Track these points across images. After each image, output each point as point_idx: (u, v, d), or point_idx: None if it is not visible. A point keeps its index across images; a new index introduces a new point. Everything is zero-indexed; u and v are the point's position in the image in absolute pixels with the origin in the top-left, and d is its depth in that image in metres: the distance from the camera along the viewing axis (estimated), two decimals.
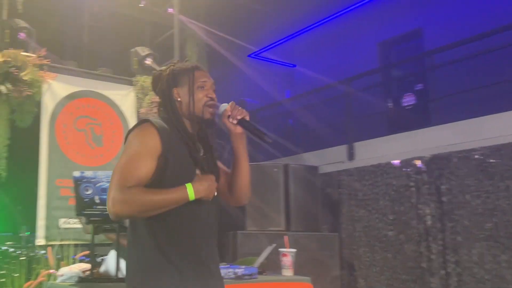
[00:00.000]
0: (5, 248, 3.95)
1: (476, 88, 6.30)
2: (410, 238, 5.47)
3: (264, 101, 9.42)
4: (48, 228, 4.00)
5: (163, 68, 2.04)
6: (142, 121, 1.87)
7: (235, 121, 1.94)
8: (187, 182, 1.78)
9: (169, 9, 5.68)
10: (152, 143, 1.79)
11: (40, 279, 2.99)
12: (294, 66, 10.09)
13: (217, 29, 7.25)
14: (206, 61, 7.03)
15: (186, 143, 1.87)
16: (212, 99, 1.95)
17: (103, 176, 2.65)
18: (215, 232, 2.02)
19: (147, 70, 5.03)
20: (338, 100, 7.46)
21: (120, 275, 2.62)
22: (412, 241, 5.43)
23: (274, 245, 3.46)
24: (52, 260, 3.32)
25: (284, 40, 9.68)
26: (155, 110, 4.74)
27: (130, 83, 5.09)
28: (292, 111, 9.66)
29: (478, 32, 6.09)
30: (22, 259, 3.76)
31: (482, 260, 4.91)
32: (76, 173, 2.64)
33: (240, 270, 3.04)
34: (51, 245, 3.50)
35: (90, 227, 2.70)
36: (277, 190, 5.80)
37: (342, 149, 6.93)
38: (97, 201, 2.65)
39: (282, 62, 10.16)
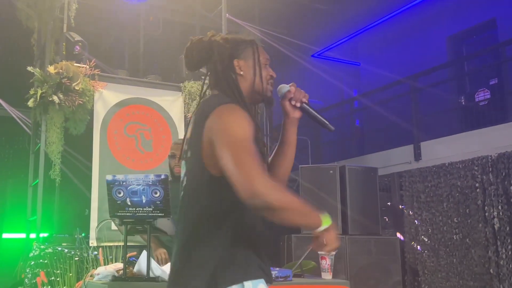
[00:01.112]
0: (61, 249, 4.27)
1: None
2: (477, 242, 5.25)
3: (329, 101, 9.39)
4: (100, 230, 4.28)
5: (201, 37, 1.83)
6: (225, 102, 1.66)
7: (298, 104, 1.85)
8: None
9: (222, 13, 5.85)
10: (249, 125, 1.60)
11: (86, 278, 3.21)
12: (359, 64, 9.96)
13: (276, 30, 7.32)
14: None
15: (256, 124, 1.68)
16: (272, 77, 1.84)
17: (133, 179, 2.81)
18: None
19: (197, 75, 5.23)
20: (406, 97, 7.30)
21: (151, 275, 2.77)
22: (479, 245, 5.21)
23: (310, 247, 3.47)
24: (102, 261, 3.55)
25: (347, 38, 9.59)
26: None
27: (179, 89, 5.32)
28: (358, 111, 9.55)
29: None
30: (76, 260, 4.05)
31: None
32: (109, 177, 2.82)
33: (273, 272, 3.09)
34: (103, 246, 3.73)
35: (123, 228, 2.88)
36: (333, 192, 5.78)
37: (408, 149, 6.78)
38: (129, 203, 2.81)
39: (346, 60, 10.07)
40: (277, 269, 3.16)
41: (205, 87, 1.90)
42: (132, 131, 5.09)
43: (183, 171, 1.78)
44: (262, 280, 1.62)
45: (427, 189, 5.88)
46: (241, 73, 1.76)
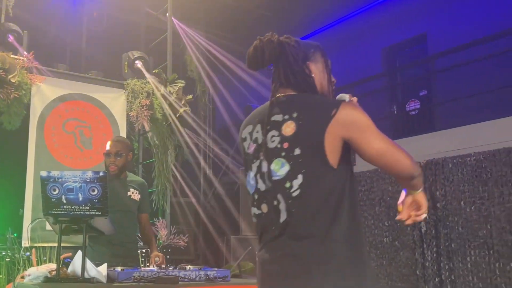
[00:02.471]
0: None
1: (481, 93, 6.18)
2: (405, 245, 5.37)
3: None
4: (34, 230, 4.02)
5: (270, 37, 1.80)
6: (339, 102, 1.68)
7: None
8: None
9: (167, 13, 5.71)
10: None
11: (17, 280, 2.99)
12: None
13: (220, 34, 7.25)
14: (206, 65, 7.03)
15: None
16: (334, 83, 1.88)
17: (70, 176, 2.64)
18: None
19: (137, 73, 5.06)
20: None
21: (86, 276, 2.62)
22: (407, 248, 5.34)
23: (249, 248, 3.43)
24: (36, 262, 3.33)
25: None
26: (145, 113, 4.76)
27: (121, 86, 5.11)
28: None
29: (482, 36, 6.00)
30: (7, 261, 3.79)
31: (476, 268, 4.80)
32: (43, 173, 2.64)
33: (212, 273, 3.01)
34: (36, 247, 3.50)
35: (57, 227, 2.70)
36: None
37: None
38: (64, 201, 2.64)
39: None
40: (216, 269, 3.09)
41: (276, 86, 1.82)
42: (71, 127, 4.84)
43: (283, 169, 1.68)
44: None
45: (361, 193, 5.96)
46: (312, 75, 1.78)
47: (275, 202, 1.69)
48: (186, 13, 6.30)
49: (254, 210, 1.79)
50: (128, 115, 4.93)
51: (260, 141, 1.77)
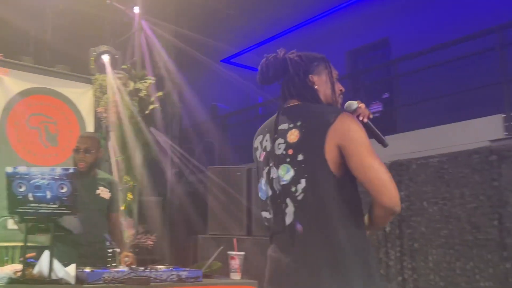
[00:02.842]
0: None
1: (442, 97, 6.31)
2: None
3: (235, 106, 9.35)
4: None
5: (275, 54, 1.94)
6: (340, 111, 1.76)
7: (365, 120, 1.93)
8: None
9: (134, 8, 5.54)
10: None
11: None
12: None
13: (188, 31, 7.12)
14: (174, 63, 6.88)
15: None
16: (342, 92, 1.96)
17: (37, 172, 2.50)
18: None
19: (104, 68, 4.87)
20: None
21: (53, 276, 2.47)
22: (372, 247, 5.36)
23: (221, 247, 3.34)
24: None
25: (255, 46, 9.62)
26: (113, 109, 4.59)
27: (89, 81, 4.90)
28: (262, 117, 9.60)
29: (443, 41, 6.12)
30: None
31: (438, 267, 4.87)
32: (9, 169, 2.48)
33: (184, 273, 2.91)
34: None
35: (23, 226, 2.55)
36: (240, 194, 5.68)
37: None
38: (31, 198, 2.49)
39: (253, 68, 10.09)
40: (187, 269, 2.99)
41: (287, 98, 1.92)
42: (36, 123, 4.61)
43: (288, 174, 1.76)
44: None
45: None
46: (315, 87, 1.86)
47: (284, 206, 1.77)
48: (154, 9, 6.14)
49: (265, 214, 1.88)
50: (96, 111, 4.75)
51: (269, 148, 1.87)
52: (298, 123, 1.78)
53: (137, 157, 4.98)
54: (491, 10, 6.63)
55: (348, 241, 1.67)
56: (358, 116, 1.91)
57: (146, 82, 4.72)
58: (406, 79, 7.13)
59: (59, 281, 2.47)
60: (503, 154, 4.54)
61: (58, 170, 2.52)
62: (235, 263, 3.25)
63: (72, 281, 2.52)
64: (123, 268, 2.93)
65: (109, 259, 3.06)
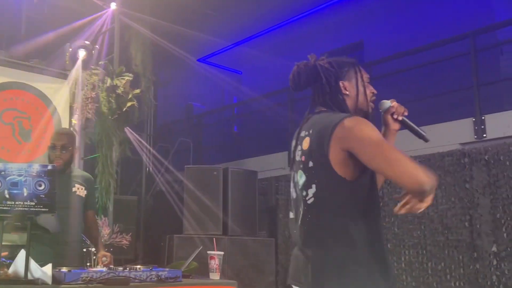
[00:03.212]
0: None
1: (415, 100, 6.38)
2: None
3: (211, 105, 9.28)
4: None
5: (306, 61, 1.97)
6: (344, 117, 1.75)
7: (400, 118, 1.95)
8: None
9: (111, 3, 5.41)
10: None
11: None
12: (240, 73, 10.00)
13: (164, 30, 7.02)
14: (151, 61, 6.78)
15: None
16: (374, 94, 1.96)
17: (14, 169, 2.39)
18: None
19: (86, 65, 4.73)
20: (283, 107, 7.42)
21: (29, 277, 2.37)
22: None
23: (201, 247, 3.29)
24: None
25: (232, 46, 9.57)
26: (90, 106, 4.47)
27: (65, 77, 4.75)
28: (237, 118, 9.56)
29: (416, 46, 6.20)
30: None
31: (410, 267, 4.92)
32: None
33: (163, 273, 2.84)
34: None
35: None
36: (216, 194, 5.63)
37: (283, 156, 6.87)
38: (7, 195, 2.38)
39: (229, 68, 10.04)
40: (167, 269, 2.92)
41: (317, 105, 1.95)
42: (9, 118, 4.42)
43: (302, 179, 1.84)
44: None
45: None
46: (347, 93, 1.89)
47: (300, 209, 1.85)
48: (131, 6, 6.02)
49: (290, 215, 1.98)
50: (71, 107, 4.60)
51: (292, 155, 1.98)
52: (310, 131, 1.85)
53: (115, 155, 4.85)
54: (463, 16, 6.76)
55: (358, 249, 1.70)
56: (392, 115, 1.95)
57: (123, 78, 4.60)
58: (379, 82, 7.19)
59: (35, 281, 2.38)
60: (475, 157, 4.62)
61: (36, 167, 2.43)
62: (215, 263, 3.19)
63: (49, 281, 2.42)
64: (101, 268, 2.84)
65: (88, 260, 2.96)
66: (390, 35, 7.50)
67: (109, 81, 4.55)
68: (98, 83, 4.57)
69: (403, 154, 1.64)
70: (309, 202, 1.80)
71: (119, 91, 4.53)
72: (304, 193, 1.82)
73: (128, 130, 5.77)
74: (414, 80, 6.66)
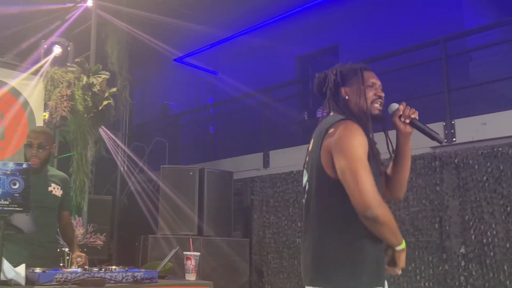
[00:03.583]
0: None
1: (387, 104, 6.45)
2: None
3: (187, 106, 9.22)
4: None
5: (331, 70, 2.06)
6: (344, 120, 1.87)
7: (407, 120, 1.97)
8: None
9: (88, 0, 5.31)
10: (365, 142, 1.80)
11: None
12: (216, 73, 9.97)
13: (142, 29, 6.94)
14: (127, 59, 6.68)
15: (371, 141, 1.86)
16: (380, 97, 2.00)
17: None
18: None
19: (57, 61, 4.62)
20: (258, 109, 7.42)
21: (2, 277, 2.30)
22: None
23: (177, 248, 3.25)
24: None
25: (209, 47, 9.53)
26: (65, 103, 4.36)
27: (39, 74, 4.62)
28: (213, 118, 9.52)
29: (389, 49, 6.29)
30: None
31: None
32: None
33: (139, 274, 2.80)
34: None
35: None
36: (191, 194, 5.59)
37: (258, 157, 6.87)
38: None
39: (205, 69, 9.99)
40: (143, 270, 2.88)
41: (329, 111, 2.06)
42: None
43: (305, 179, 1.98)
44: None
45: (276, 194, 5.97)
46: (347, 97, 1.98)
47: (305, 203, 1.99)
48: (108, 4, 5.92)
49: None
50: (46, 105, 4.48)
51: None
52: (315, 133, 1.99)
53: (90, 154, 4.76)
54: (435, 23, 6.88)
55: (340, 239, 1.79)
56: (400, 117, 1.98)
57: (100, 77, 4.51)
58: None
59: (8, 282, 2.31)
60: (445, 160, 4.71)
61: (11, 165, 2.36)
62: (191, 264, 3.16)
63: (23, 282, 2.36)
64: (75, 269, 2.78)
65: (62, 261, 2.90)
66: (364, 39, 7.58)
67: (85, 79, 4.46)
68: (74, 81, 4.47)
69: (369, 178, 1.71)
70: (305, 197, 1.96)
71: (95, 89, 4.44)
72: (304, 191, 1.97)
73: (103, 129, 5.68)
74: (387, 84, 6.71)
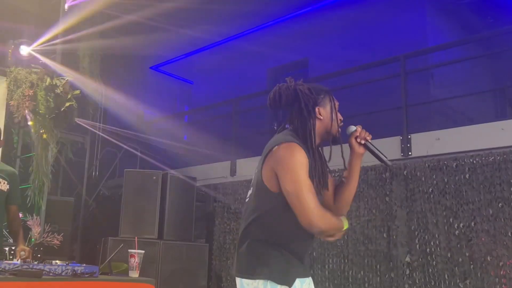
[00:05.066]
0: None
1: (356, 116, 6.60)
2: None
3: (162, 113, 9.30)
4: None
5: (287, 84, 2.10)
6: (288, 141, 1.94)
7: (362, 141, 2.10)
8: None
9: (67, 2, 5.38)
10: (306, 164, 1.91)
11: None
12: (191, 82, 10.09)
13: (119, 37, 7.01)
14: (99, 66, 6.74)
15: (314, 158, 1.98)
16: (341, 120, 2.12)
17: None
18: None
19: (23, 62, 4.70)
20: (228, 118, 7.54)
21: None
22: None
23: (121, 245, 3.34)
24: None
25: (184, 56, 9.66)
26: (27, 103, 4.43)
27: (3, 74, 4.69)
28: (186, 126, 9.62)
29: (356, 64, 6.46)
30: None
31: (333, 275, 5.10)
32: None
33: (80, 268, 2.90)
34: None
35: None
36: (154, 198, 5.67)
37: (226, 165, 6.97)
38: None
39: (181, 77, 10.11)
40: (84, 265, 2.97)
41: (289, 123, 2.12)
42: None
43: (249, 192, 2.10)
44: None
45: (237, 201, 6.08)
46: (321, 118, 2.05)
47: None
48: (82, 5, 5.97)
49: None
50: (8, 105, 4.55)
51: None
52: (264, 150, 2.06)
53: (51, 155, 4.82)
54: (398, 39, 7.10)
55: (266, 244, 1.95)
56: (356, 138, 2.10)
57: (63, 78, 4.60)
58: None
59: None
60: (395, 172, 4.88)
61: None
62: (134, 261, 3.27)
63: None
64: (17, 261, 2.86)
65: (10, 255, 2.97)
66: (332, 54, 7.78)
67: (48, 80, 4.54)
68: (37, 82, 4.55)
69: (311, 198, 1.86)
70: (245, 207, 2.09)
71: (58, 91, 4.52)
72: (248, 196, 2.10)
73: (73, 131, 5.74)
74: (351, 98, 6.88)
